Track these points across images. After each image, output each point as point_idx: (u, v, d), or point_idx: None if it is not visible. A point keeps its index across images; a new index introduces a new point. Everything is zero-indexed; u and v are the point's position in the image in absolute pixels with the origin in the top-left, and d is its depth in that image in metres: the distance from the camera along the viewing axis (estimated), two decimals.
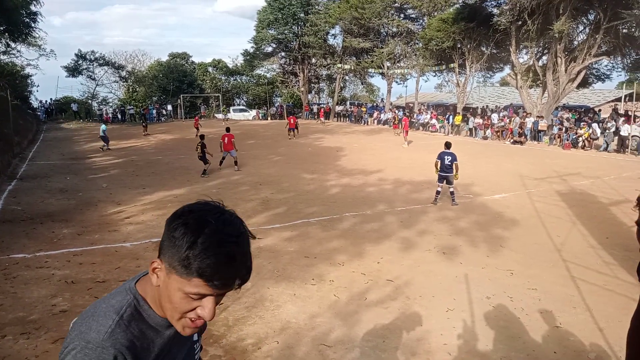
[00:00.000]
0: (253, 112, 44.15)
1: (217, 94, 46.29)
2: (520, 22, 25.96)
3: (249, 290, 5.63)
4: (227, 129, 15.85)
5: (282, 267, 6.46)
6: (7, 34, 29.18)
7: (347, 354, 4.29)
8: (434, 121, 31.41)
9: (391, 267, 6.50)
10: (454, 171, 10.20)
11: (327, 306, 5.27)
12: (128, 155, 18.54)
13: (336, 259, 6.82)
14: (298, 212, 9.55)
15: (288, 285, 5.82)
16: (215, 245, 1.03)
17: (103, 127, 21.03)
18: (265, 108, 45.91)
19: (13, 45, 33.20)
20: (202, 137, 14.81)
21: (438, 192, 10.46)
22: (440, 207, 10.16)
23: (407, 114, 32.78)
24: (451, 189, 10.37)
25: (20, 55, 36.40)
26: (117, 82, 45.83)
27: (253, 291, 5.62)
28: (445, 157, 10.20)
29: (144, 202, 10.36)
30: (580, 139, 21.85)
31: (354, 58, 40.78)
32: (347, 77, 47.13)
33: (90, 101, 43.30)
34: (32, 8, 29.26)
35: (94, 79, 42.78)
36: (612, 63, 28.49)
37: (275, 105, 49.05)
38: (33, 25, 30.41)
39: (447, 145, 10.52)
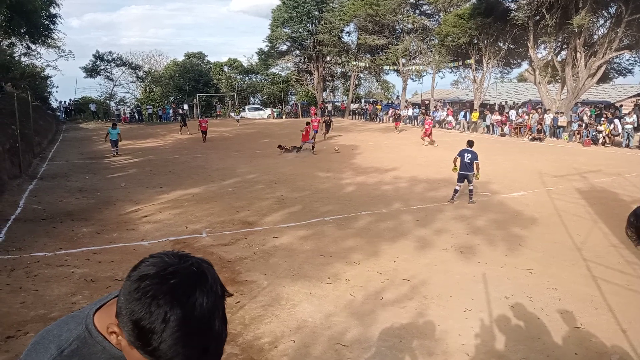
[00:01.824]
0: (268, 111, 44.30)
1: (232, 93, 46.55)
2: (538, 17, 25.49)
3: (265, 289, 5.64)
4: (307, 123, 19.66)
5: (297, 265, 6.46)
6: (27, 36, 29.80)
7: (363, 354, 4.27)
8: (450, 118, 31.09)
9: (407, 266, 6.46)
10: (475, 170, 9.97)
11: (343, 305, 5.25)
12: (145, 155, 18.76)
13: (352, 257, 6.79)
14: (313, 211, 9.55)
15: (304, 284, 5.82)
16: (186, 338, 0.89)
17: (111, 130, 18.28)
18: (280, 106, 46.03)
19: (33, 47, 33.90)
20: (307, 123, 19.31)
21: (456, 191, 10.29)
22: (456, 206, 10.05)
23: (425, 113, 32.38)
24: (470, 187, 10.21)
25: (40, 57, 37.11)
26: (135, 82, 46.47)
27: (269, 290, 5.63)
28: (466, 154, 9.97)
29: (162, 201, 10.47)
30: (601, 135, 21.40)
31: (369, 55, 40.57)
32: (361, 75, 46.91)
33: (108, 101, 43.95)
34: (52, 10, 29.84)
35: (111, 80, 43.41)
36: (634, 57, 27.80)
37: (290, 103, 49.14)
38: (52, 27, 31.01)
39: (470, 143, 10.28)
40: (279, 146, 18.99)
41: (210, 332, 0.93)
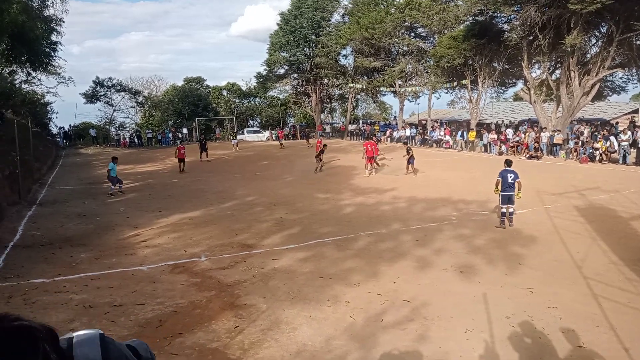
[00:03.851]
0: (267, 133, 44.63)
1: (231, 117, 46.96)
2: (531, 37, 25.97)
3: (264, 313, 5.61)
4: (367, 137, 20.09)
5: (297, 288, 6.43)
6: (28, 63, 30.21)
7: None
8: (447, 138, 31.31)
9: (407, 287, 6.43)
10: (516, 189, 9.75)
11: (343, 328, 5.21)
12: (145, 179, 18.81)
13: (351, 279, 6.76)
14: (312, 232, 9.54)
15: (304, 307, 5.78)
16: None
17: (111, 165, 15.37)
18: (279, 129, 46.45)
19: (34, 74, 34.32)
20: (324, 146, 19.40)
21: (504, 214, 9.76)
22: (455, 225, 10.05)
23: (372, 135, 30.44)
24: (511, 209, 9.82)
25: (41, 84, 37.54)
26: (134, 107, 46.90)
27: (268, 313, 5.60)
28: (508, 175, 9.69)
29: (161, 225, 10.47)
30: (597, 152, 21.53)
31: (366, 77, 41.13)
32: (359, 96, 47.48)
33: (107, 126, 44.26)
34: (53, 38, 30.33)
35: (111, 105, 43.81)
36: (627, 75, 28.24)
37: (289, 125, 49.53)
38: (53, 54, 31.47)
39: (509, 163, 10.05)
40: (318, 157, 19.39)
41: None
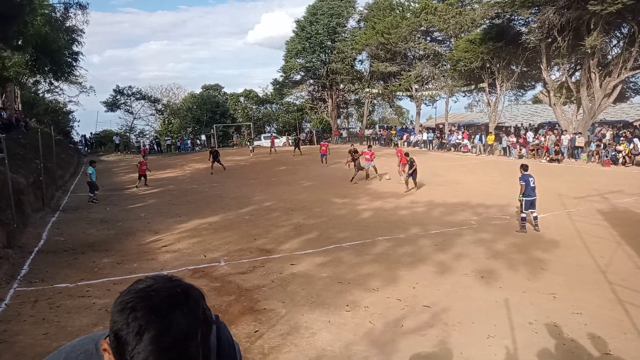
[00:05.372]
0: (283, 139, 44.88)
1: (248, 123, 47.36)
2: (550, 39, 25.57)
3: (283, 318, 5.62)
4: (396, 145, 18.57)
5: (315, 293, 6.42)
6: (51, 73, 31.04)
7: None
8: (465, 141, 31.00)
9: (427, 293, 6.37)
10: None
11: (362, 334, 5.18)
12: (165, 185, 19.06)
13: (370, 284, 6.73)
14: (330, 237, 9.53)
15: (322, 312, 5.77)
16: (158, 354, 0.90)
17: (90, 169, 15.13)
18: (295, 134, 46.63)
19: (56, 83, 35.25)
20: (355, 151, 18.26)
21: (524, 219, 9.62)
22: (475, 230, 9.93)
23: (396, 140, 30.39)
24: (535, 214, 9.69)
25: (63, 93, 38.54)
26: (154, 114, 47.75)
27: (288, 318, 5.61)
28: (530, 179, 9.54)
29: (180, 230, 10.59)
30: (620, 155, 21.06)
31: (382, 82, 41.06)
32: (375, 101, 47.38)
33: (128, 134, 45.09)
34: (74, 48, 31.11)
35: (131, 113, 44.70)
36: None
37: (305, 131, 49.74)
38: (75, 64, 32.27)
39: (526, 167, 9.89)
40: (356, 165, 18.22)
41: (184, 353, 0.93)
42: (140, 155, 27.52)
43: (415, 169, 15.10)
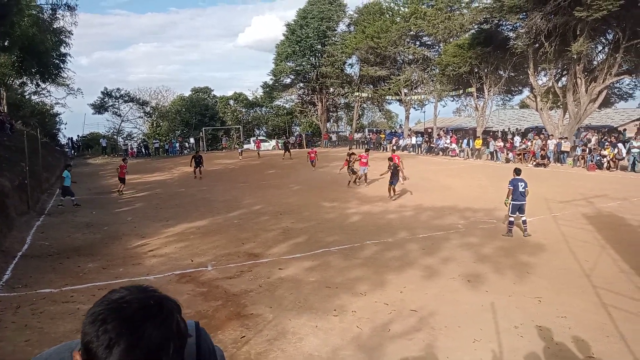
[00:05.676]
0: (273, 142, 44.81)
1: (237, 126, 47.21)
2: (537, 45, 25.93)
3: (270, 323, 5.59)
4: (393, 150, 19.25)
5: (303, 297, 6.41)
6: (38, 75, 30.68)
7: None
8: (453, 146, 31.23)
9: (415, 297, 6.39)
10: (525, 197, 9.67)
11: (350, 338, 5.18)
12: (152, 189, 18.91)
13: (358, 288, 6.73)
14: (319, 241, 9.52)
15: (310, 317, 5.76)
16: None
17: (65, 173, 14.77)
18: (285, 137, 46.60)
19: (43, 85, 34.83)
20: (351, 154, 18.15)
21: (512, 223, 9.71)
22: (463, 234, 10.00)
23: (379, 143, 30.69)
24: (524, 218, 9.77)
25: (50, 95, 38.09)
26: (142, 117, 47.35)
27: (275, 323, 5.58)
28: (520, 184, 9.62)
29: (167, 235, 10.50)
30: (605, 159, 21.37)
31: (371, 86, 41.26)
32: (364, 105, 47.54)
33: (115, 137, 44.67)
34: (62, 50, 30.80)
35: (119, 115, 44.30)
36: (634, 82, 28.09)
37: (295, 134, 49.73)
38: (62, 66, 31.94)
39: (518, 171, 9.97)
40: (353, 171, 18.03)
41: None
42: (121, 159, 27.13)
43: (397, 177, 14.77)
